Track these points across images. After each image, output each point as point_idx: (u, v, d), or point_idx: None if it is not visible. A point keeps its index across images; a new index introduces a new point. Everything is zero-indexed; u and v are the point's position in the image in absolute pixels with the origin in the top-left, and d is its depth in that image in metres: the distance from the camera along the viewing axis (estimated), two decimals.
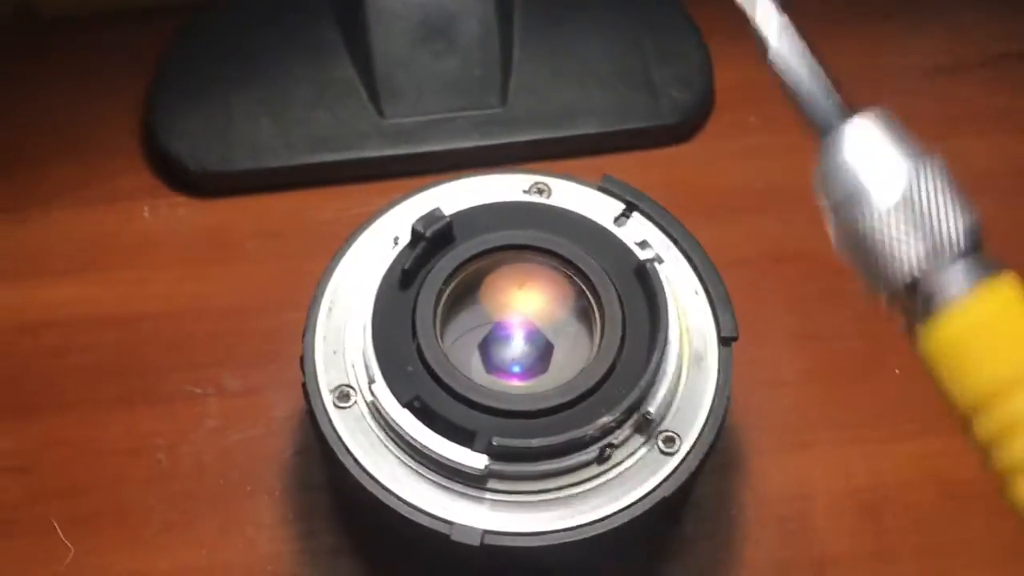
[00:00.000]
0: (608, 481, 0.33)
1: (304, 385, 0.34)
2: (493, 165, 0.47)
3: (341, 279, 0.37)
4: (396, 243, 0.36)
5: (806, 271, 0.45)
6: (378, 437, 0.33)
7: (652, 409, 0.33)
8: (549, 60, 0.50)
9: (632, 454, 0.33)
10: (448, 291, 0.36)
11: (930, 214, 0.24)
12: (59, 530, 0.39)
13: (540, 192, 0.38)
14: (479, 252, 0.36)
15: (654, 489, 0.33)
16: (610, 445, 0.33)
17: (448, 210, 0.36)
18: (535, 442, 0.32)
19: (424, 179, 0.47)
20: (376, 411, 0.33)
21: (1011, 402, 0.23)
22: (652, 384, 0.33)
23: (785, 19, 0.26)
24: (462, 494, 0.33)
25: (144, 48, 0.51)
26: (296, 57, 0.50)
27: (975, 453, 0.24)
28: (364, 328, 0.34)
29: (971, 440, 0.24)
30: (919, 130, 0.49)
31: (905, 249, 0.24)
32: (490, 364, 0.36)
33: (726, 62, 0.51)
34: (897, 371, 0.43)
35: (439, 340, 0.34)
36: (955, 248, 0.24)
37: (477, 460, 0.32)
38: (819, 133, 0.26)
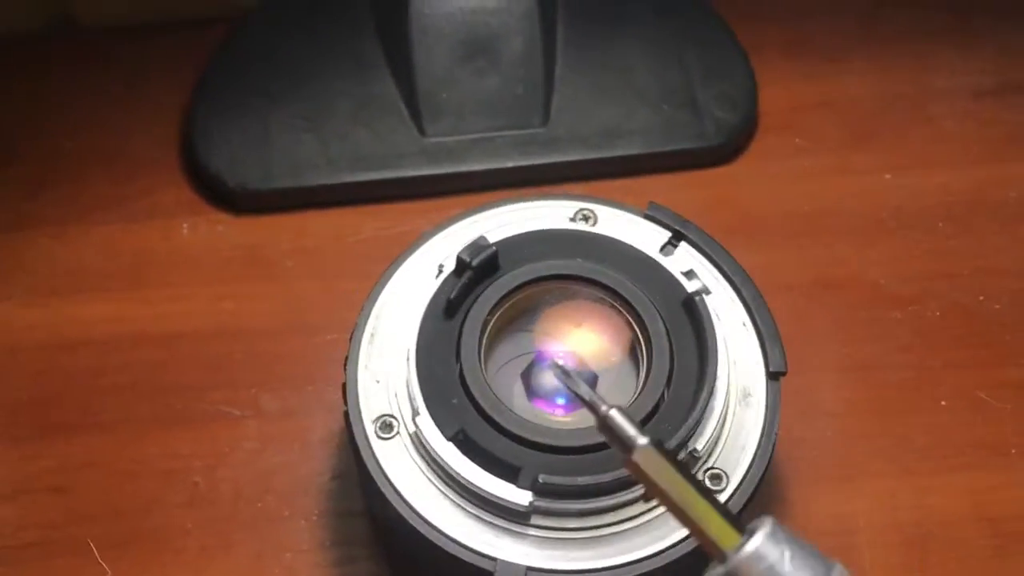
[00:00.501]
0: (653, 519, 0.32)
1: (346, 414, 0.34)
2: (534, 185, 0.47)
3: (383, 306, 0.36)
4: (440, 271, 0.36)
5: (853, 298, 0.45)
6: (420, 469, 0.33)
7: (699, 447, 0.33)
8: (592, 79, 0.49)
9: None
10: (493, 321, 0.35)
11: None
12: (96, 551, 0.39)
13: (586, 219, 0.38)
14: (524, 282, 0.35)
15: None
16: None
17: (493, 238, 0.36)
18: (581, 480, 0.31)
19: (464, 198, 0.47)
20: (419, 443, 0.33)
21: None
22: (699, 422, 0.33)
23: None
24: (505, 529, 0.32)
25: (184, 60, 0.51)
26: (337, 73, 0.49)
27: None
28: (408, 358, 0.34)
29: None
30: (964, 153, 0.49)
31: None
32: (533, 394, 0.36)
33: (771, 81, 0.51)
34: (944, 403, 0.42)
35: (484, 372, 0.34)
36: None
37: (522, 496, 0.31)
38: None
